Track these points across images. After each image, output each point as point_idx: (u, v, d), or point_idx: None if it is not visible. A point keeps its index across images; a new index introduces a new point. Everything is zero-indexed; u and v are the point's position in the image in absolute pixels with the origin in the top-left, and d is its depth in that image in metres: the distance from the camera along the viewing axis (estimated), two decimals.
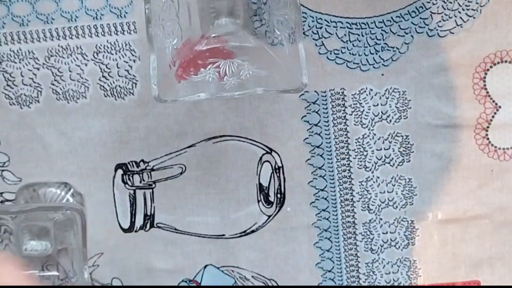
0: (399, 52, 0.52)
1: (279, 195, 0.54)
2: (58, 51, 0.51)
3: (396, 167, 0.53)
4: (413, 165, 0.53)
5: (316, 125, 0.53)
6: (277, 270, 0.54)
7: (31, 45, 0.51)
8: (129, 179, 0.53)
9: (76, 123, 0.52)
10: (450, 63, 0.52)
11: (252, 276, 0.54)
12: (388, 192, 0.54)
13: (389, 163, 0.53)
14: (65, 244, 0.51)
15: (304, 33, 0.51)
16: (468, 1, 0.51)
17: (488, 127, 0.53)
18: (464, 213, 0.54)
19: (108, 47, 0.51)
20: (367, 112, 0.52)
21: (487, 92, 0.52)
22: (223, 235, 0.54)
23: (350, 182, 0.53)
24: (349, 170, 0.53)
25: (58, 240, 0.51)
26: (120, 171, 0.53)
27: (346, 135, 0.53)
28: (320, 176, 0.53)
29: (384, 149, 0.53)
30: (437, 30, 0.51)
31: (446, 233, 0.54)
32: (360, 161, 0.53)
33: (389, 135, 0.53)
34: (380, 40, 0.51)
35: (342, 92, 0.52)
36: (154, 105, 0.51)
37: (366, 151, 0.53)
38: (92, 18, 0.50)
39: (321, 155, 0.53)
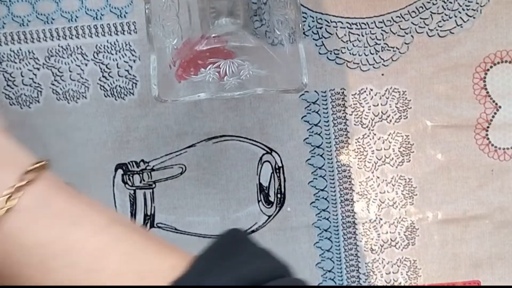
0: (399, 52, 0.52)
1: (279, 195, 0.54)
2: (58, 51, 0.51)
3: (396, 167, 0.53)
4: (413, 165, 0.53)
5: (316, 125, 0.53)
6: None
7: (31, 45, 0.51)
8: (129, 179, 0.53)
9: (76, 123, 0.52)
10: (450, 63, 0.52)
11: None
12: (388, 192, 0.54)
13: (389, 163, 0.53)
14: None
15: (304, 33, 0.51)
16: (468, 1, 0.51)
17: (488, 127, 0.53)
18: (464, 213, 0.54)
19: (108, 47, 0.51)
20: (367, 112, 0.52)
21: (487, 92, 0.52)
22: None
23: (350, 182, 0.53)
24: (349, 170, 0.53)
25: None
26: (120, 171, 0.53)
27: (346, 135, 0.53)
28: (320, 176, 0.53)
29: (384, 149, 0.53)
30: (437, 30, 0.51)
31: (446, 233, 0.54)
32: (360, 161, 0.53)
33: (389, 135, 0.53)
34: (380, 40, 0.51)
35: (342, 92, 0.52)
36: (154, 105, 0.51)
37: (366, 151, 0.53)
38: (92, 18, 0.50)
39: (321, 155, 0.53)
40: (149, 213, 0.53)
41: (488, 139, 0.53)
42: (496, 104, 0.52)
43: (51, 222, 0.34)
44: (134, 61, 0.51)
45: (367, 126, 0.53)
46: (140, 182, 0.53)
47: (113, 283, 0.33)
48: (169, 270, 0.34)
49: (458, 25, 0.51)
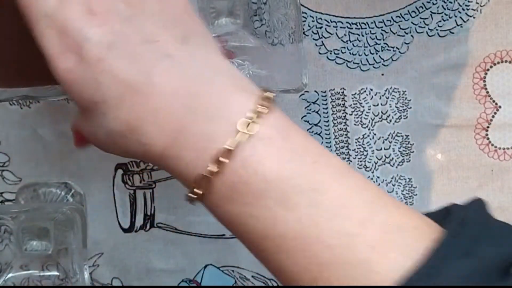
0: (399, 52, 0.52)
1: None
2: None
3: (396, 167, 0.53)
4: (413, 165, 0.53)
5: (316, 125, 0.53)
6: None
7: None
8: (129, 179, 0.53)
9: None
10: (450, 63, 0.52)
11: (252, 276, 0.54)
12: (388, 192, 0.54)
13: (389, 163, 0.53)
14: (65, 244, 0.51)
15: (304, 33, 0.51)
16: (468, 1, 0.51)
17: (488, 127, 0.53)
18: None
19: None
20: (367, 112, 0.52)
21: (487, 92, 0.52)
22: (223, 235, 0.54)
23: None
24: None
25: (58, 240, 0.51)
26: (120, 171, 0.53)
27: (346, 135, 0.53)
28: None
29: (384, 149, 0.53)
30: (437, 30, 0.51)
31: None
32: (360, 161, 0.53)
33: (389, 135, 0.53)
34: (380, 40, 0.51)
35: (342, 92, 0.52)
36: None
37: (366, 151, 0.53)
38: None
39: None
40: (149, 213, 0.53)
41: (488, 139, 0.53)
42: (496, 104, 0.52)
43: (293, 156, 0.32)
44: None
45: (367, 126, 0.53)
46: (140, 182, 0.53)
47: (357, 233, 0.31)
48: (413, 230, 0.31)
49: (458, 25, 0.51)
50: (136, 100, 0.32)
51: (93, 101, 0.33)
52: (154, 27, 0.33)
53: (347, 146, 0.53)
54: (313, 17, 0.51)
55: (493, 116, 0.53)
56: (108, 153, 0.36)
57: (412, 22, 0.51)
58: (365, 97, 0.52)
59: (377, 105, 0.52)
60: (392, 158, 0.53)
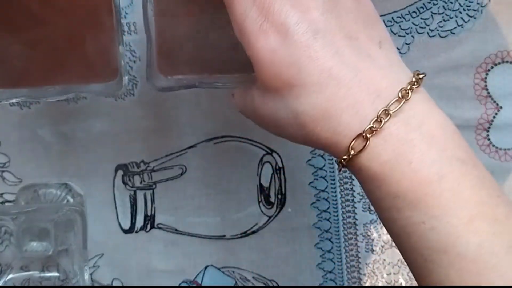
0: (400, 52, 0.52)
1: (279, 196, 0.54)
2: None
3: None
4: None
5: None
6: (277, 271, 0.54)
7: None
8: (129, 180, 0.53)
9: (76, 124, 0.52)
10: (451, 64, 0.52)
11: (253, 277, 0.54)
12: None
13: None
14: (65, 245, 0.51)
15: None
16: (469, 2, 0.51)
17: (489, 127, 0.53)
18: None
19: None
20: None
21: (488, 93, 0.52)
22: (224, 235, 0.54)
23: (350, 183, 0.53)
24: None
25: (59, 241, 0.51)
26: (120, 172, 0.53)
27: None
28: (321, 177, 0.53)
29: None
30: (438, 30, 0.51)
31: None
32: None
33: None
34: None
35: None
36: (154, 105, 0.51)
37: None
38: None
39: (321, 156, 0.53)
40: (149, 214, 0.53)
41: (489, 139, 0.53)
42: (497, 104, 0.52)
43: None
44: (134, 61, 0.51)
45: None
46: (141, 183, 0.53)
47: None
48: None
49: (459, 25, 0.51)
50: (338, 91, 0.33)
51: (290, 83, 0.34)
52: (354, 23, 0.34)
53: None
54: None
55: (494, 117, 0.52)
56: (270, 132, 0.38)
57: (413, 23, 0.51)
58: None
59: None
60: None
